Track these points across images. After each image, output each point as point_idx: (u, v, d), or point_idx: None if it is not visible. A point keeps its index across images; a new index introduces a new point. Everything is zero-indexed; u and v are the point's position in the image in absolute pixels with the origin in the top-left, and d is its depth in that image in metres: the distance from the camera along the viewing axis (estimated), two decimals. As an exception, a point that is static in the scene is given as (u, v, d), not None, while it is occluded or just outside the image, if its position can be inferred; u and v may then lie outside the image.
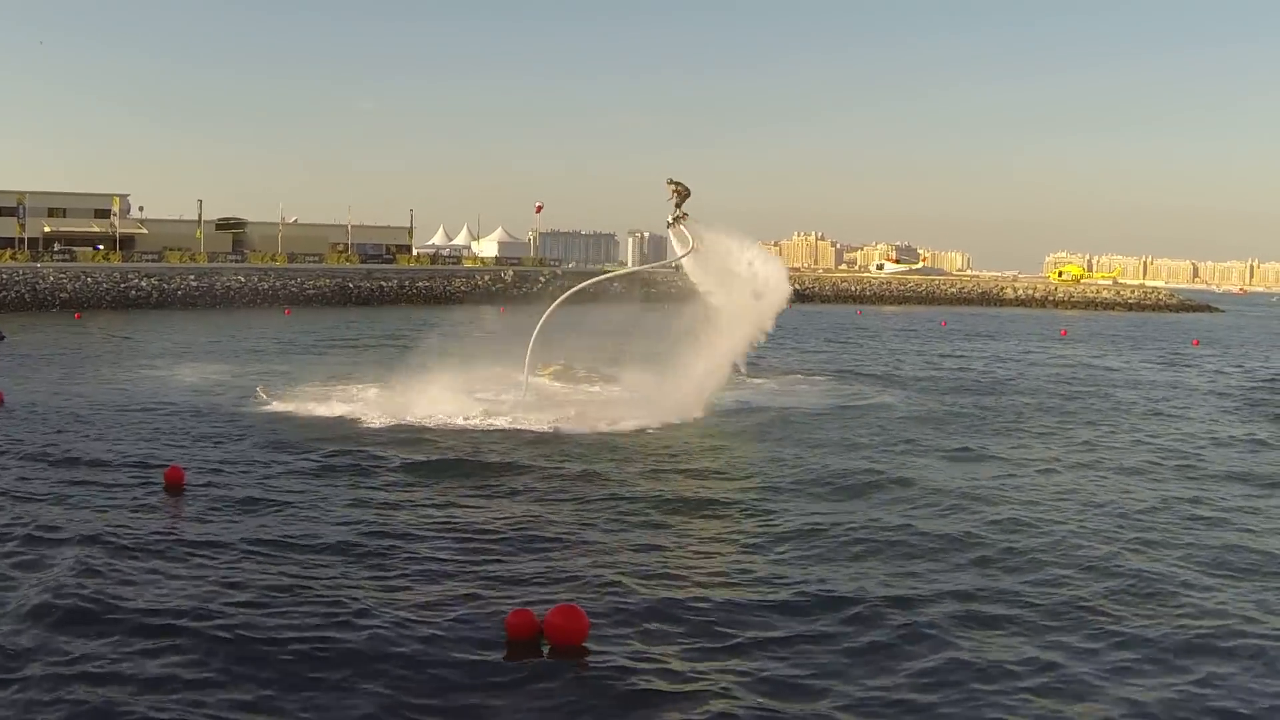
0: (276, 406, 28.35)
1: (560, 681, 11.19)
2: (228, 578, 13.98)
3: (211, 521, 16.91)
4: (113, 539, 15.58)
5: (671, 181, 30.38)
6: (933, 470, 22.01)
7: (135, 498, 18.40)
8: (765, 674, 11.31)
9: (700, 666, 11.46)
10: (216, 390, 32.07)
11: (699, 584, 14.13)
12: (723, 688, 10.94)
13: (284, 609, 12.80)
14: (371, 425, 25.70)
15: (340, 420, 26.44)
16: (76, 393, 31.40)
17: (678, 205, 30.44)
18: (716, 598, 13.56)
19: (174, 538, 15.83)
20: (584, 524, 17.22)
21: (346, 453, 22.44)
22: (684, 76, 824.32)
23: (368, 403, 29.07)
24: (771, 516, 17.99)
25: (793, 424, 27.43)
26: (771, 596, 13.70)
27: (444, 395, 28.79)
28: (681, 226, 30.56)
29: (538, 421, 26.15)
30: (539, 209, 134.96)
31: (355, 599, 13.20)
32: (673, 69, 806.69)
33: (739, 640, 12.21)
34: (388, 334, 59.89)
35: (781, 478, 21.08)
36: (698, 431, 25.84)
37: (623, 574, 14.44)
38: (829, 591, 13.93)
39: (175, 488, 18.90)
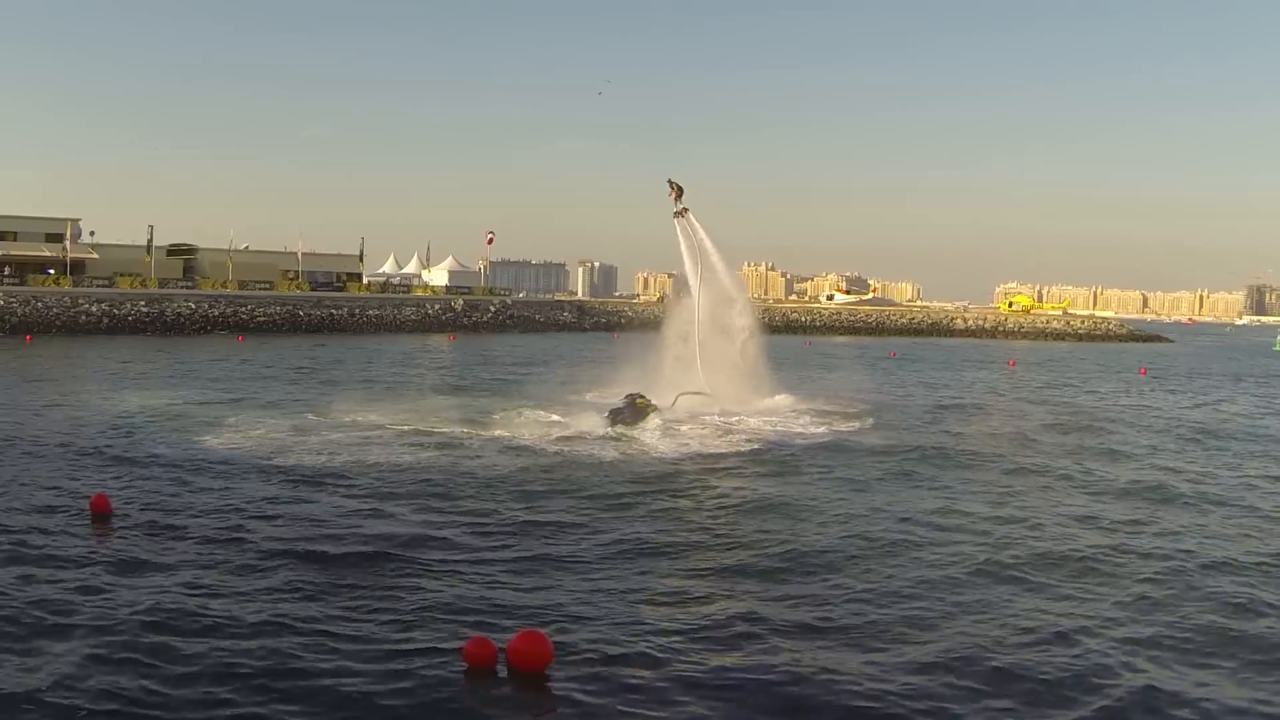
0: (219, 433, 28.11)
1: (521, 708, 11.10)
2: (163, 605, 13.59)
3: (139, 550, 16.41)
4: (35, 568, 15.25)
5: (670, 181, 36.27)
6: (902, 502, 21.82)
7: (60, 525, 17.91)
8: (733, 703, 11.21)
9: (667, 696, 11.34)
10: (169, 416, 31.62)
11: (668, 614, 13.98)
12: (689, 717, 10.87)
13: (230, 638, 12.55)
14: (318, 451, 25.47)
15: (286, 445, 26.23)
16: (22, 417, 30.99)
17: (677, 199, 36.24)
18: (685, 628, 13.41)
19: (100, 565, 15.48)
20: (548, 550, 17.03)
21: (292, 476, 22.20)
22: (635, 104, 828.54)
23: (316, 426, 29.18)
24: (744, 547, 17.72)
25: (768, 455, 27.14)
26: (741, 628, 13.50)
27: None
28: (688, 218, 36.32)
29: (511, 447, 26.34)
30: (490, 239, 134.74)
31: (305, 627, 12.98)
32: (621, 97, 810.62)
33: (706, 670, 12.06)
34: (337, 360, 59.67)
35: (754, 509, 20.80)
36: (673, 461, 25.71)
37: (587, 601, 14.33)
38: (800, 622, 13.80)
39: (101, 516, 18.41)
